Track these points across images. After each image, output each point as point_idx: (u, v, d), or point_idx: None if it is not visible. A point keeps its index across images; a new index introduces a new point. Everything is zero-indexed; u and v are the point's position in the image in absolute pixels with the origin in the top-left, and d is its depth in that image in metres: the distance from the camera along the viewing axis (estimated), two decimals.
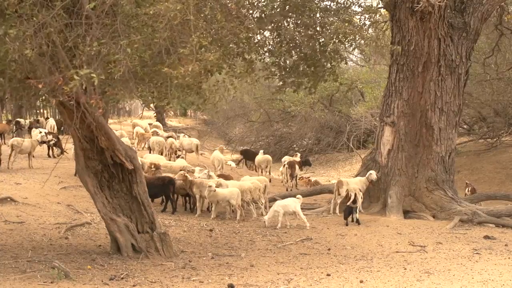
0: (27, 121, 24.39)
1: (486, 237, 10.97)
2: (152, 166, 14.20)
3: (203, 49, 6.40)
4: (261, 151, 21.26)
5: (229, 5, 6.99)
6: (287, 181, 18.11)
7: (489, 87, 20.86)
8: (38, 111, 31.54)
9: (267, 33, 8.45)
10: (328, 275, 7.83)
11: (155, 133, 22.06)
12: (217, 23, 6.74)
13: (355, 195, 12.98)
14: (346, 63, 9.26)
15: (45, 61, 6.43)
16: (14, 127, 22.83)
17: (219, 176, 14.73)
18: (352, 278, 7.66)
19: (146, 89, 7.18)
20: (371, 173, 13.72)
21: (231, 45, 7.19)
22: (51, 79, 6.29)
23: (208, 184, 12.03)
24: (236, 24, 7.02)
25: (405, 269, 8.30)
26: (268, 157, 20.36)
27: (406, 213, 13.38)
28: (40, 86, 6.32)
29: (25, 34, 6.00)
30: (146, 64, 6.71)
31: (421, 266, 8.50)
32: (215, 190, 11.92)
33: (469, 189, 16.12)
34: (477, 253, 9.54)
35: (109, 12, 6.32)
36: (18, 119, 23.90)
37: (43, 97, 7.77)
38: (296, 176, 18.39)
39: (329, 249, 9.72)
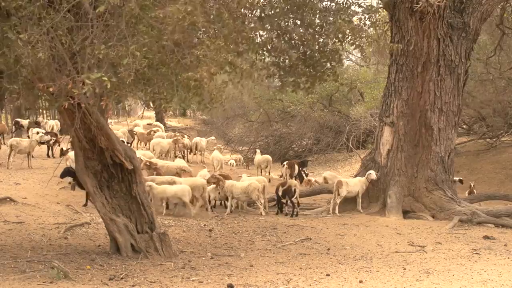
0: (27, 121, 24.35)
1: (486, 237, 10.97)
2: (147, 164, 14.18)
3: (216, 51, 6.40)
4: (258, 150, 21.27)
5: (231, 3, 6.98)
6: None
7: (491, 86, 20.87)
8: (40, 112, 31.51)
9: (265, 33, 8.44)
10: (328, 275, 7.83)
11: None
12: (221, 22, 6.73)
13: (295, 190, 13.35)
14: (342, 65, 9.27)
15: (53, 64, 6.42)
16: (14, 127, 22.82)
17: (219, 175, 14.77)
18: (351, 278, 7.66)
19: (156, 89, 7.15)
20: (370, 173, 13.74)
21: (232, 46, 7.18)
22: (61, 82, 6.28)
23: (147, 184, 11.81)
24: (239, 22, 7.02)
25: (405, 269, 8.29)
26: (268, 157, 20.39)
27: (406, 213, 13.39)
28: (51, 89, 6.31)
29: (35, 37, 5.98)
30: (153, 66, 6.71)
31: (420, 266, 8.50)
32: (149, 189, 11.71)
33: (469, 191, 16.15)
34: (476, 253, 9.53)
35: (114, 14, 6.31)
36: (18, 119, 23.88)
37: (49, 99, 7.75)
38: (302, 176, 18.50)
39: (328, 249, 9.72)
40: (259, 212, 13.21)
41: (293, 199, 13.42)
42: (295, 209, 13.41)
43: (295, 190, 13.41)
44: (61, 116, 9.23)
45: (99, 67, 6.14)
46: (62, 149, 17.87)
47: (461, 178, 17.29)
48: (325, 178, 17.47)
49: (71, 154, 14.43)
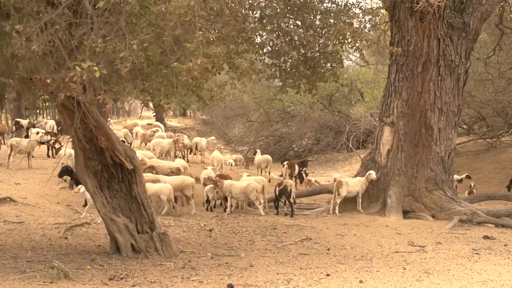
0: (26, 121, 24.34)
1: (486, 237, 10.98)
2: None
3: (209, 45, 6.38)
4: (258, 150, 21.28)
5: (232, 4, 6.98)
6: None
7: (491, 86, 20.89)
8: (41, 112, 31.51)
9: (266, 34, 8.44)
10: (328, 275, 7.83)
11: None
12: (221, 20, 6.71)
13: (290, 190, 13.51)
14: (342, 66, 9.29)
15: (49, 60, 6.41)
16: (14, 127, 22.82)
17: (218, 176, 14.78)
18: (351, 278, 7.66)
19: (153, 85, 7.13)
20: (370, 173, 13.75)
21: (231, 46, 7.18)
22: (58, 76, 6.26)
23: None
24: (241, 21, 7.01)
25: (405, 269, 8.30)
26: (268, 157, 20.39)
27: (406, 213, 13.39)
28: (48, 81, 6.30)
29: (31, 30, 5.97)
30: (152, 62, 6.69)
31: (420, 266, 8.50)
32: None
33: (468, 191, 16.16)
34: (476, 253, 9.54)
35: (112, 10, 6.30)
36: (18, 119, 23.88)
37: (46, 97, 7.74)
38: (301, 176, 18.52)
39: (328, 249, 9.72)
40: (259, 212, 13.22)
41: (291, 198, 13.50)
42: (293, 209, 13.46)
43: (291, 190, 13.53)
44: (61, 116, 9.22)
45: (93, 59, 6.12)
46: (55, 147, 17.90)
47: (468, 174, 17.30)
48: (335, 180, 17.50)
49: (63, 151, 14.60)
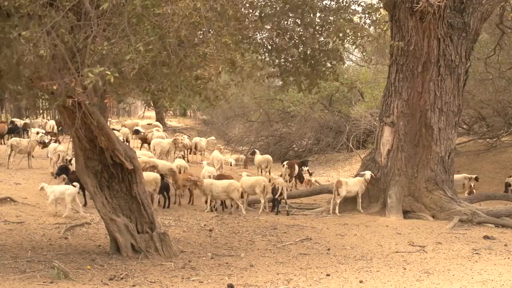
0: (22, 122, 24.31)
1: (486, 237, 10.97)
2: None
3: (223, 48, 6.40)
4: (257, 150, 21.28)
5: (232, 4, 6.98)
6: (287, 181, 18.10)
7: (491, 85, 20.89)
8: (41, 112, 31.49)
9: (265, 32, 8.44)
10: (328, 275, 7.83)
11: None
12: (224, 20, 6.70)
13: (281, 188, 13.84)
14: (343, 63, 9.27)
15: (55, 63, 6.41)
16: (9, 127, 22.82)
17: (219, 176, 14.78)
18: (351, 278, 7.66)
19: (159, 87, 7.12)
20: (365, 173, 13.74)
21: (232, 45, 7.17)
22: (63, 81, 6.26)
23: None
24: (241, 20, 7.01)
25: (405, 269, 8.30)
26: (268, 157, 20.39)
27: (406, 213, 13.38)
28: (54, 87, 6.30)
29: (37, 35, 5.96)
30: (156, 64, 6.69)
31: (420, 266, 8.50)
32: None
33: (468, 191, 16.15)
34: (476, 253, 9.54)
35: (114, 12, 6.30)
36: (13, 119, 23.88)
37: (49, 98, 7.73)
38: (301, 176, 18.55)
39: (328, 249, 9.72)
40: (260, 212, 13.24)
41: (276, 196, 13.77)
42: (275, 207, 13.90)
43: (278, 188, 13.79)
44: (61, 116, 9.22)
45: (101, 64, 6.11)
46: (45, 142, 17.86)
47: (477, 176, 17.23)
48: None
49: (50, 146, 14.64)
